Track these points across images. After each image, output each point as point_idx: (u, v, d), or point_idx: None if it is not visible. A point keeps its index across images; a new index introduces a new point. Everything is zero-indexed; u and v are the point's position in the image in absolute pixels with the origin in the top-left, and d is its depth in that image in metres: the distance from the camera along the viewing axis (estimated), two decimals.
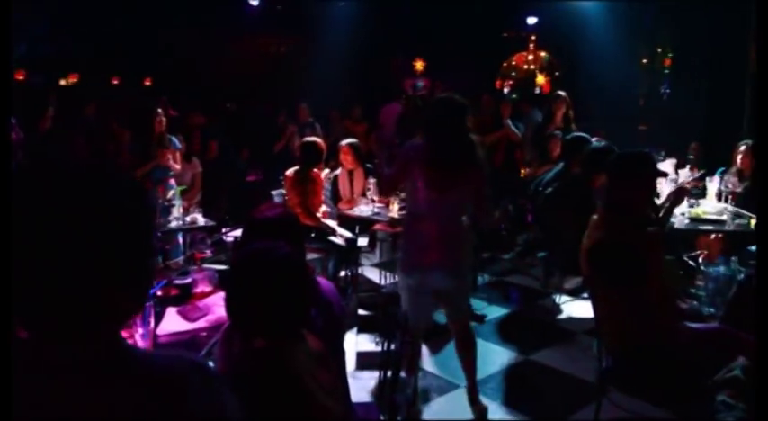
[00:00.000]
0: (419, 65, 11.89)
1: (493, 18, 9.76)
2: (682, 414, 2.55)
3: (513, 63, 11.85)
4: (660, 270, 2.54)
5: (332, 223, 4.85)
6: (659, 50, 9.39)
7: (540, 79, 11.76)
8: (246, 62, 9.31)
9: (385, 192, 4.02)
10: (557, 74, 11.19)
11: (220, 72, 9.13)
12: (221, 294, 2.58)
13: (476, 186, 3.02)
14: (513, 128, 6.59)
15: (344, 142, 5.32)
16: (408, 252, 3.16)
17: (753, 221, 4.27)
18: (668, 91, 9.03)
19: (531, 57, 11.83)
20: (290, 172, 4.86)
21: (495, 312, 4.75)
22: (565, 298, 4.91)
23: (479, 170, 3.04)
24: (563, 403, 3.38)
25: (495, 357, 4.00)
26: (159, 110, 5.18)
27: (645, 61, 9.79)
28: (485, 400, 3.40)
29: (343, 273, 5.02)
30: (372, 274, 5.54)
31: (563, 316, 4.72)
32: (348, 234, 4.81)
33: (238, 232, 4.57)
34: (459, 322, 3.26)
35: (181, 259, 4.27)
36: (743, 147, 4.91)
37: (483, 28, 9.61)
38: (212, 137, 6.56)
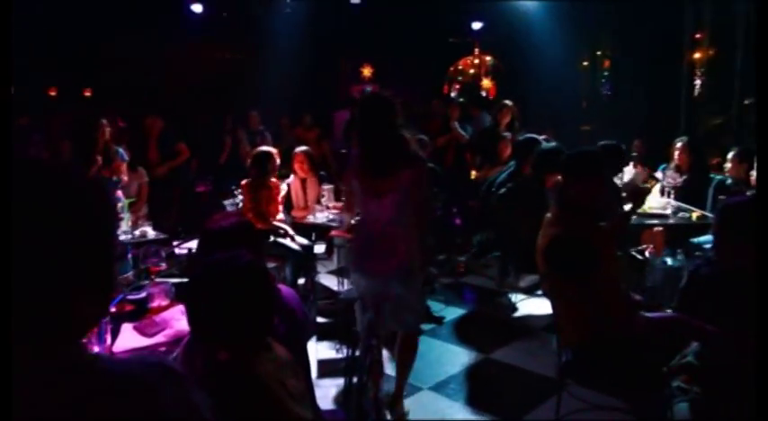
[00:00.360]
0: (366, 71, 11.95)
1: (439, 24, 9.89)
2: (639, 402, 2.63)
3: (460, 67, 12.04)
4: (613, 263, 2.62)
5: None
6: (599, 53, 9.72)
7: (486, 83, 11.99)
8: (192, 71, 9.08)
9: (348, 210, 3.64)
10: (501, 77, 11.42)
11: (165, 81, 8.90)
12: (179, 307, 2.52)
13: (413, 185, 2.90)
14: (459, 130, 6.71)
15: (299, 150, 5.28)
16: (356, 258, 3.13)
17: (694, 214, 4.46)
18: (609, 92, 9.34)
19: (476, 61, 12.05)
20: (245, 181, 4.81)
21: (452, 313, 4.79)
22: (520, 296, 5.01)
23: (415, 167, 2.92)
24: (524, 399, 3.44)
25: (455, 358, 4.03)
26: (104, 120, 5.01)
27: (585, 64, 10.12)
28: (447, 401, 3.44)
29: (301, 281, 4.97)
30: (329, 281, 5.51)
31: (520, 314, 4.81)
32: (304, 241, 4.77)
33: (192, 244, 4.48)
34: (403, 327, 3.20)
35: (131, 274, 4.14)
36: (679, 144, 5.13)
37: (430, 34, 9.73)
38: (175, 140, 6.34)
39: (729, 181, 4.61)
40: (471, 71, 12.21)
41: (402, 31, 9.57)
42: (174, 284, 2.77)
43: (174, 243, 4.89)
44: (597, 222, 2.63)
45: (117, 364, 0.87)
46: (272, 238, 4.67)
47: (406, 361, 3.26)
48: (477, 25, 9.84)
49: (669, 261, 3.48)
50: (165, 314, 2.46)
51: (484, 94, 11.21)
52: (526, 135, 4.91)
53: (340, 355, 4.07)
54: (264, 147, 5.13)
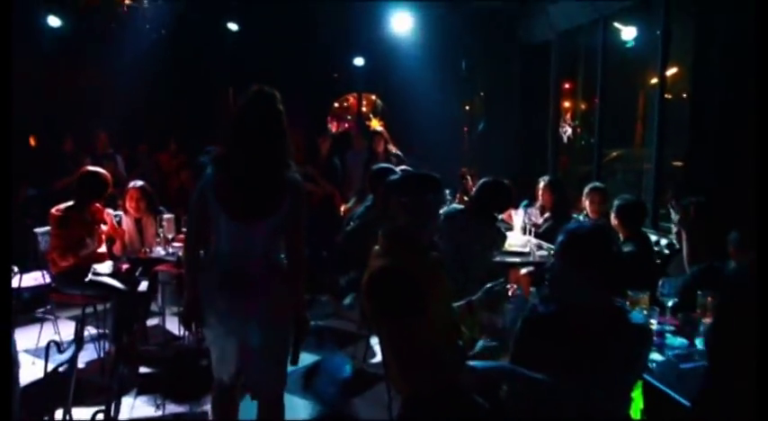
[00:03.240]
0: None
1: (323, 58, 9.65)
2: None
3: (345, 105, 11.89)
4: (444, 299, 2.28)
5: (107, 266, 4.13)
6: (479, 95, 9.83)
7: (375, 123, 11.89)
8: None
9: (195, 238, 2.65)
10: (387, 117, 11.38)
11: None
12: None
13: (292, 213, 2.45)
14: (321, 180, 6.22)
15: (133, 185, 4.57)
16: (211, 299, 2.51)
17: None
18: (481, 134, 9.38)
19: (364, 100, 11.97)
20: (57, 209, 4.04)
21: (305, 360, 4.29)
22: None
23: (295, 192, 2.47)
24: None
25: (295, 412, 3.54)
26: None
27: (468, 108, 10.21)
28: None
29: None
30: (174, 325, 4.83)
31: (377, 359, 4.40)
32: (119, 284, 4.09)
33: None
34: (268, 389, 2.64)
35: None
36: (542, 184, 5.04)
37: (311, 67, 9.47)
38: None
39: (582, 219, 4.53)
40: (364, 109, 12.12)
41: (287, 63, 9.22)
42: None
43: None
44: (425, 252, 2.28)
45: None
46: (89, 277, 4.01)
47: None
48: (359, 61, 9.68)
49: (521, 303, 3.22)
50: None
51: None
52: (380, 165, 4.57)
53: (159, 413, 3.48)
54: (93, 168, 4.42)
